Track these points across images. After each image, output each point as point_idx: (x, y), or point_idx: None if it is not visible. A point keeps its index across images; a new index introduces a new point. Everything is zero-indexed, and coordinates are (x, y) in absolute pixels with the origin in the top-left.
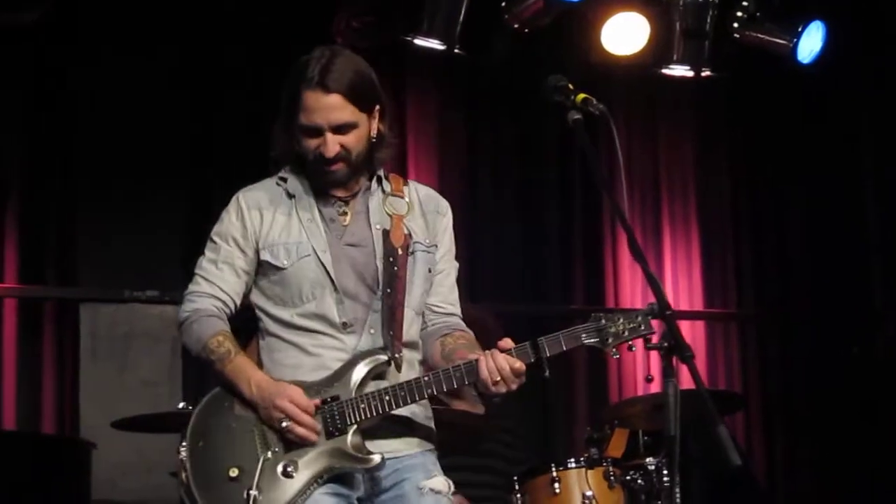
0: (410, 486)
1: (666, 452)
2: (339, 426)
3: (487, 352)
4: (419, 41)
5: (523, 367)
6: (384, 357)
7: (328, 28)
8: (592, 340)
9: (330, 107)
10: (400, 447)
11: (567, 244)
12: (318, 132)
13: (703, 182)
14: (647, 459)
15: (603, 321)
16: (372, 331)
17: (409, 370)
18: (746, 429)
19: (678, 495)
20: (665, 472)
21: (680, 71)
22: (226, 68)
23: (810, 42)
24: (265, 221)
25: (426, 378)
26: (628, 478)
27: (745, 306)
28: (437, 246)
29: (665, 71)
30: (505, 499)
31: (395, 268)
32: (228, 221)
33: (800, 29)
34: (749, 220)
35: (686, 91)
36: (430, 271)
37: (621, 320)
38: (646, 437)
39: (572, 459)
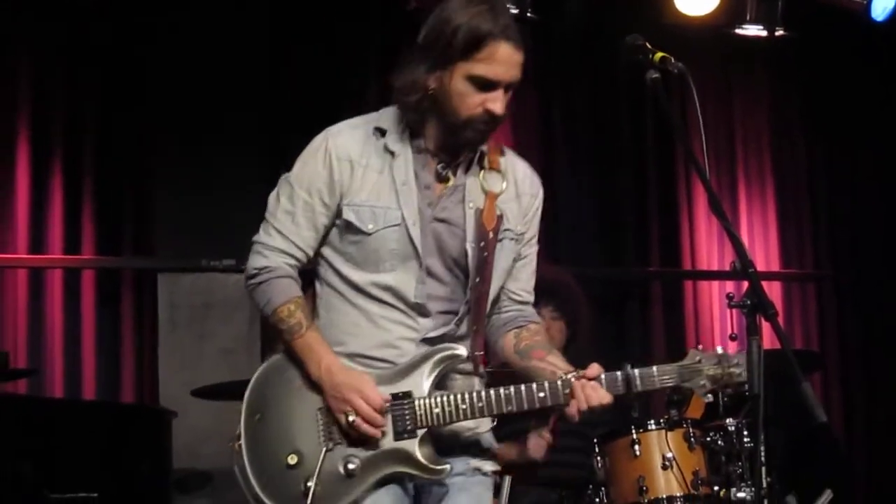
0: (462, 465)
1: (746, 413)
2: (409, 428)
3: (577, 382)
4: None
5: (611, 402)
6: (462, 352)
7: None
8: (687, 384)
9: (516, 64)
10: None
11: (643, 206)
12: (492, 86)
13: (778, 142)
14: (727, 420)
15: (699, 359)
16: (458, 321)
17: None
18: (824, 389)
19: (763, 454)
20: (745, 432)
21: (753, 31)
22: (298, 31)
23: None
24: (356, 176)
25: (506, 392)
26: (708, 439)
27: (822, 267)
28: (524, 233)
29: (738, 31)
30: (586, 462)
31: (485, 254)
32: (314, 168)
33: None
34: (824, 180)
35: (760, 51)
36: (514, 261)
37: (718, 363)
38: (725, 398)
39: (652, 421)
